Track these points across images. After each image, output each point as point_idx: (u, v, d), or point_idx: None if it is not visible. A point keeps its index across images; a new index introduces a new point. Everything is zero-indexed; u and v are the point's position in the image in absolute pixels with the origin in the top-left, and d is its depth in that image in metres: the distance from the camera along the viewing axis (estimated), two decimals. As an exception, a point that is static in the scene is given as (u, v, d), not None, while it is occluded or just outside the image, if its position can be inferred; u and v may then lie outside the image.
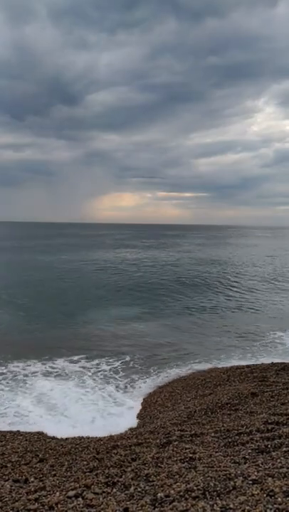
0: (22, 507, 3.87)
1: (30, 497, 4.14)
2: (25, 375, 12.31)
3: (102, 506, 3.64)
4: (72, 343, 16.06)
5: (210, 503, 3.40)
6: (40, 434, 8.54)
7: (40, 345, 15.50)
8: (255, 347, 15.62)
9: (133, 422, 9.29)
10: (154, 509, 3.46)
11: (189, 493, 3.63)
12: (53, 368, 13.10)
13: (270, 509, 3.15)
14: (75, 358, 14.04)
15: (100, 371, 12.87)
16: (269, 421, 6.16)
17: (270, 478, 3.73)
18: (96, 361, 13.75)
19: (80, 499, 3.88)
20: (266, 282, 32.56)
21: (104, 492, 4.02)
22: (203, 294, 27.38)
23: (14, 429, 8.76)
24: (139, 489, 3.92)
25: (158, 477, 4.23)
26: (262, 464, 4.28)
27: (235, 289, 29.06)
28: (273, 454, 4.64)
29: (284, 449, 4.79)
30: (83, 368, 13.16)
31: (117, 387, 11.62)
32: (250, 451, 4.87)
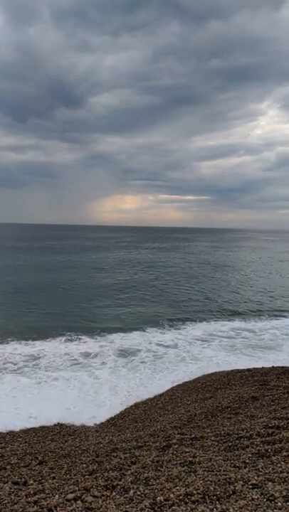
0: (21, 509, 3.86)
1: (29, 499, 4.13)
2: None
3: (101, 509, 3.62)
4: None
5: (210, 507, 3.38)
6: (40, 436, 8.52)
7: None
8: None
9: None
10: (153, 513, 3.44)
11: (189, 497, 3.61)
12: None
13: (270, 514, 3.13)
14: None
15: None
16: (269, 425, 6.13)
17: (270, 483, 3.71)
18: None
19: (79, 502, 3.86)
20: None
21: (103, 495, 4.00)
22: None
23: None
24: (138, 493, 3.90)
25: (157, 481, 4.21)
26: (262, 468, 4.25)
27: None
28: (273, 458, 4.62)
29: (284, 453, 4.76)
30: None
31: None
32: (250, 455, 4.85)
